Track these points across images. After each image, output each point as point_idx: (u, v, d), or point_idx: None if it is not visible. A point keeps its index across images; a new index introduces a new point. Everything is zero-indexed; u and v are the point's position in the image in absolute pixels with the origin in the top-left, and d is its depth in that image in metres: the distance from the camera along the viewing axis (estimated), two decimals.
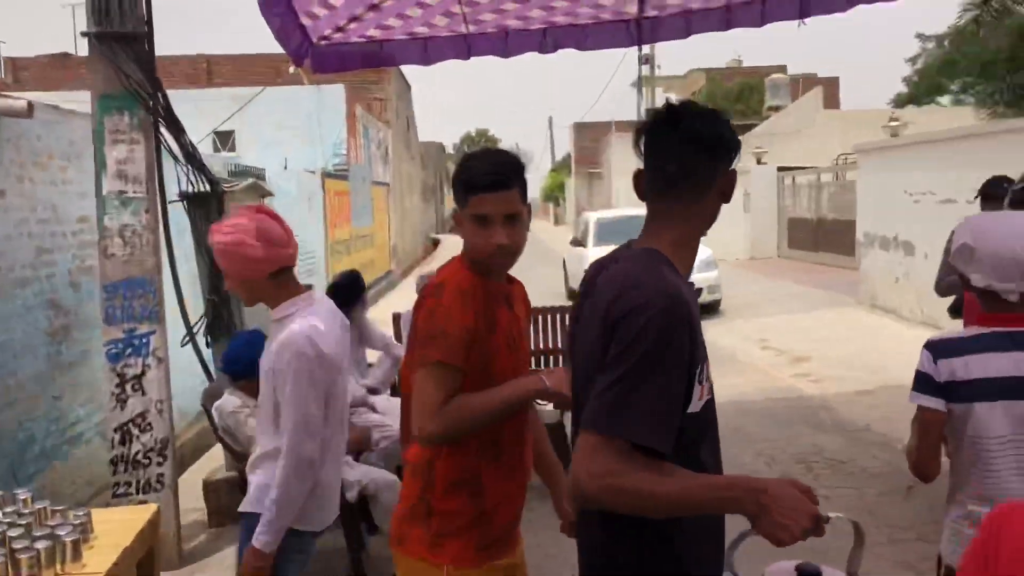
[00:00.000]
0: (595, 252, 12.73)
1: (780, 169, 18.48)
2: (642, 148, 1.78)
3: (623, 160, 33.34)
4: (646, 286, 1.61)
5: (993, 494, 2.17)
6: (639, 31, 6.49)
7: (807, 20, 6.12)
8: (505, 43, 6.44)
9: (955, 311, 5.08)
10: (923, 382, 2.24)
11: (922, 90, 48.77)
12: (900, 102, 47.99)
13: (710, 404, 1.70)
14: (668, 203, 1.74)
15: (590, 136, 43.53)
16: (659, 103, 27.87)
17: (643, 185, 1.80)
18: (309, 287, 2.68)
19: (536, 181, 53.34)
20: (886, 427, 6.50)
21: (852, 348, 9.79)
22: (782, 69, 39.30)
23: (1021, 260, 2.14)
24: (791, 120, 31.37)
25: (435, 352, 2.03)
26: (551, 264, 17.00)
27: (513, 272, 2.32)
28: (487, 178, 2.09)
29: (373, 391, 5.14)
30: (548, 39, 6.47)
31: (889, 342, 10.05)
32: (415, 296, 2.57)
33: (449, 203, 62.44)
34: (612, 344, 1.59)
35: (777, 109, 33.55)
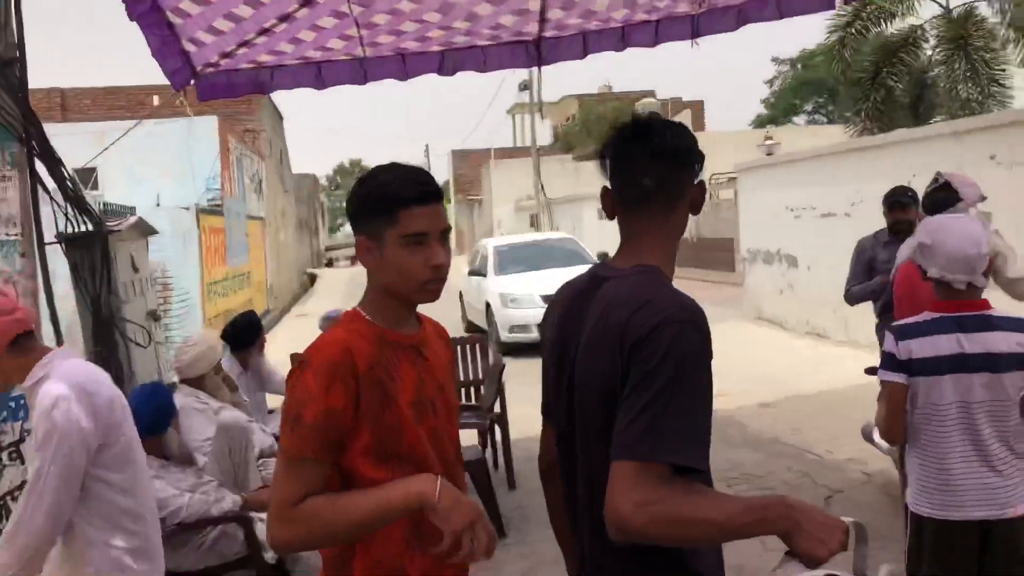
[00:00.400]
0: (495, 281, 12.40)
1: None
2: (607, 165, 1.74)
3: (504, 187, 33.60)
4: (661, 302, 1.54)
5: (943, 451, 2.65)
6: (538, 52, 6.45)
7: (699, 40, 6.23)
8: (403, 66, 6.26)
9: (883, 315, 5.05)
10: (888, 360, 2.73)
11: (779, 111, 51.72)
12: (761, 123, 50.64)
13: None
14: (644, 217, 1.71)
15: (469, 163, 43.68)
16: (537, 129, 28.12)
17: (611, 202, 1.75)
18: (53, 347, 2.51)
19: None
20: (795, 438, 6.61)
21: (746, 361, 9.99)
22: (651, 94, 40.61)
23: (969, 257, 2.63)
24: None
25: (287, 443, 1.66)
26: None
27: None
28: (419, 189, 1.74)
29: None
30: (448, 61, 6.32)
31: (781, 353, 10.34)
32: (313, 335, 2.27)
33: (323, 238, 61.08)
34: (634, 366, 1.49)
35: None
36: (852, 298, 5.41)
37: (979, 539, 2.59)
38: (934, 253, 2.67)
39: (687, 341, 1.48)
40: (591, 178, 24.58)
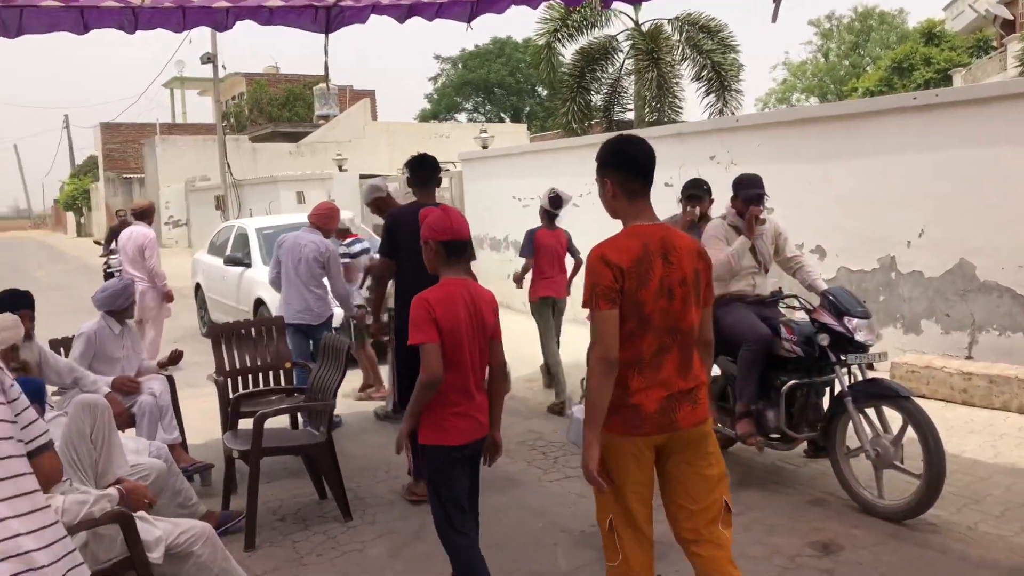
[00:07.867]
0: (265, 272, 8.58)
1: (362, 177, 18.80)
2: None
3: (170, 165, 31.01)
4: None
5: None
6: (328, 18, 6.28)
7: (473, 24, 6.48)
8: (182, 17, 5.74)
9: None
10: None
11: (442, 107, 53.50)
12: (424, 117, 52.03)
13: None
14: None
15: (123, 137, 39.67)
16: (189, 104, 26.08)
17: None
18: None
19: (51, 188, 46.54)
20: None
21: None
22: (321, 79, 39.89)
23: None
24: (342, 130, 32.12)
25: None
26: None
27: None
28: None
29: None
30: (231, 17, 5.91)
31: (516, 332, 10.83)
32: None
33: None
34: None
35: (327, 118, 33.98)
36: None
37: None
38: None
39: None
40: (276, 161, 23.34)
